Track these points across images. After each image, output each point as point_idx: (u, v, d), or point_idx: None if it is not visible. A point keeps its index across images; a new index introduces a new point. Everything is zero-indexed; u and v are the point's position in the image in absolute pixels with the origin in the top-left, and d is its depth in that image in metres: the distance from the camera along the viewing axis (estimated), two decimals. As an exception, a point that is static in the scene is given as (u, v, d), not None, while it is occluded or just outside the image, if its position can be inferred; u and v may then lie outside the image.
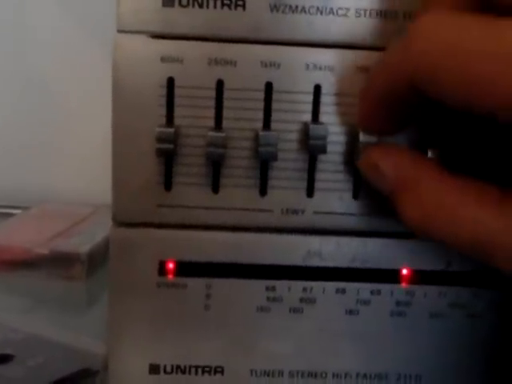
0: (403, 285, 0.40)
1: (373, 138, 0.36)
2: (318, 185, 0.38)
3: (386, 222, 0.39)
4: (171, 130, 0.36)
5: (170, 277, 0.39)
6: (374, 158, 0.35)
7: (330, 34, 0.37)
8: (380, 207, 0.39)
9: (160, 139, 0.35)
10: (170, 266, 0.39)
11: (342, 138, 0.38)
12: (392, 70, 0.31)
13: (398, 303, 0.40)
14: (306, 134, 0.37)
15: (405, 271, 0.40)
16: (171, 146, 0.35)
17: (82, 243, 0.64)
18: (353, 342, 0.40)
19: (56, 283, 0.61)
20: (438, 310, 0.40)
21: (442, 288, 0.40)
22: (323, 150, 0.36)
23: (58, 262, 0.61)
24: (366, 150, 0.36)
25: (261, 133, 0.36)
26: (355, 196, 0.38)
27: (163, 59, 0.36)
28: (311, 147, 0.36)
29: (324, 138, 0.36)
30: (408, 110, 0.33)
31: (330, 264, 0.39)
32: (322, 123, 0.37)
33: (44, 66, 0.96)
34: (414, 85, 0.30)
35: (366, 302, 0.40)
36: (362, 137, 0.36)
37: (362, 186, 0.38)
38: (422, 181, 0.32)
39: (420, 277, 0.40)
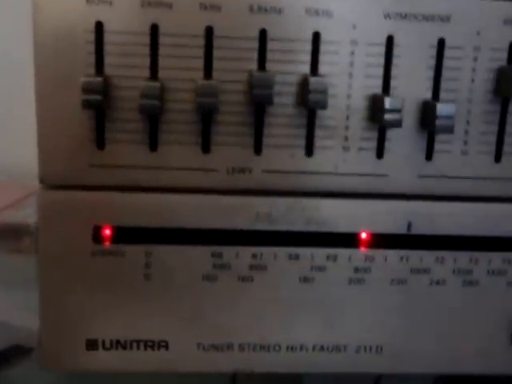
0: (362, 249, 0.36)
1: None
2: (266, 141, 0.35)
3: (344, 180, 0.35)
4: (99, 79, 0.32)
5: (106, 244, 0.35)
6: None
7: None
8: (336, 165, 0.35)
9: (87, 90, 0.32)
10: (107, 232, 0.35)
11: (290, 89, 0.34)
12: None
13: (356, 269, 0.37)
14: (250, 84, 0.33)
15: (364, 235, 0.37)
16: (99, 98, 0.32)
17: (32, 215, 0.60)
18: (308, 311, 0.37)
19: (4, 257, 0.57)
20: (399, 275, 0.37)
21: (403, 252, 0.37)
22: (269, 101, 0.33)
23: (6, 235, 0.58)
24: None
25: (200, 82, 0.32)
26: (308, 153, 0.35)
27: (89, 1, 0.32)
28: (256, 97, 0.33)
29: (270, 87, 0.33)
30: None
31: (281, 228, 0.36)
32: (267, 71, 0.33)
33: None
34: None
35: (322, 269, 0.36)
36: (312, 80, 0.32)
37: (316, 142, 0.34)
38: None
39: (380, 241, 0.36)
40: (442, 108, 0.33)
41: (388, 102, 0.33)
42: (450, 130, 0.34)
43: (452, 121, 0.33)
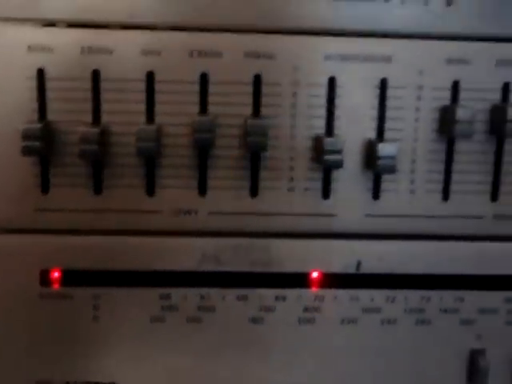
0: (311, 289, 0.36)
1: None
2: (210, 182, 0.35)
3: (291, 221, 0.35)
4: (39, 125, 0.32)
5: (55, 287, 0.35)
6: None
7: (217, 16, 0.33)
8: (282, 205, 0.35)
9: (26, 136, 0.32)
10: (55, 275, 0.35)
11: (233, 131, 0.34)
12: None
13: (305, 309, 0.36)
14: (192, 128, 0.33)
15: (313, 275, 0.36)
16: (38, 144, 0.32)
17: None
18: (258, 351, 0.37)
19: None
20: (349, 315, 0.37)
21: (353, 291, 0.36)
22: (210, 144, 0.33)
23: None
24: None
25: (141, 126, 0.33)
26: (253, 194, 0.35)
27: (31, 48, 0.33)
28: (198, 141, 0.33)
29: (211, 130, 0.33)
30: None
31: (229, 269, 0.35)
32: (208, 114, 0.33)
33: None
34: None
35: (271, 309, 0.36)
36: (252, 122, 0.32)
37: (261, 183, 0.35)
38: None
39: (328, 280, 0.36)
40: (383, 148, 0.33)
41: (328, 143, 0.33)
42: (391, 169, 0.34)
43: (393, 161, 0.33)
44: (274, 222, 0.35)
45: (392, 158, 0.34)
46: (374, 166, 0.34)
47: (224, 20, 0.33)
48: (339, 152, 0.33)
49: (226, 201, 0.35)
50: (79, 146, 0.32)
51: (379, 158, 0.34)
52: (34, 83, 0.33)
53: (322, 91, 0.34)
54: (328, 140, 0.33)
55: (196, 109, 0.34)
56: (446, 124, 0.34)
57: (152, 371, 0.36)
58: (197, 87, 0.34)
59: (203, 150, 0.34)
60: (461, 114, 0.33)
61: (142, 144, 0.33)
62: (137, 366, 0.36)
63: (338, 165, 0.33)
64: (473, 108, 0.34)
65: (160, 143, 0.33)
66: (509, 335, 0.38)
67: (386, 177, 0.35)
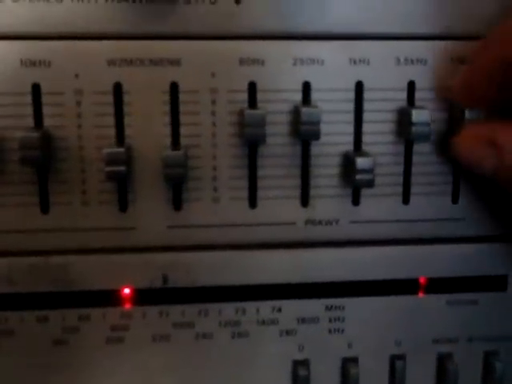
0: (117, 307, 0.34)
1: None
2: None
3: (85, 236, 0.33)
4: None
5: None
6: (488, 132, 0.31)
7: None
8: (75, 220, 0.33)
9: None
10: None
11: (13, 145, 0.32)
12: None
13: (113, 328, 0.34)
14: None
15: (127, 290, 0.35)
16: None
17: None
18: (62, 374, 0.35)
19: None
20: (161, 331, 0.35)
21: (162, 307, 0.34)
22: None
23: None
24: (468, 127, 0.32)
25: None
26: (44, 210, 0.33)
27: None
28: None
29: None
30: None
31: (24, 290, 0.34)
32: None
33: None
34: None
35: (75, 330, 0.34)
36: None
37: (52, 197, 0.33)
38: None
39: (135, 296, 0.34)
40: (170, 157, 0.31)
41: (108, 154, 0.31)
42: (181, 179, 0.32)
43: (182, 169, 0.32)
44: (68, 238, 0.34)
45: (181, 166, 0.32)
46: (166, 176, 0.32)
47: None
48: (123, 163, 0.32)
49: (15, 219, 0.33)
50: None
51: (168, 166, 0.32)
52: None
53: (109, 98, 0.32)
54: (108, 150, 0.31)
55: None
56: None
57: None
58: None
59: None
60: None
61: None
62: None
63: (120, 176, 0.32)
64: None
65: None
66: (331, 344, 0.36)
67: (187, 186, 0.34)
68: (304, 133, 0.32)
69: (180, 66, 0.33)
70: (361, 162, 0.32)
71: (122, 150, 0.31)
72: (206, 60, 0.33)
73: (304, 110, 0.32)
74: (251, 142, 0.33)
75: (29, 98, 0.32)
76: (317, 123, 0.32)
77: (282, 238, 0.35)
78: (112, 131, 0.33)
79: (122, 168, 0.31)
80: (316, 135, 0.32)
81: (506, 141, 0.30)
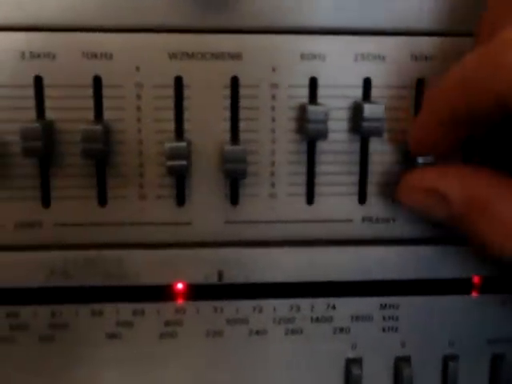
0: (171, 302, 0.34)
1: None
2: (54, 193, 0.32)
3: (144, 230, 0.33)
4: None
5: None
6: (431, 181, 0.30)
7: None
8: (132, 214, 0.33)
9: None
10: None
11: (74, 138, 0.32)
12: (472, 86, 0.26)
13: (166, 323, 0.34)
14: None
15: (180, 286, 0.34)
16: None
17: None
18: (117, 368, 0.34)
19: None
20: (214, 327, 0.35)
21: (216, 303, 0.34)
22: (40, 153, 0.31)
23: None
24: (410, 176, 0.31)
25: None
26: (102, 202, 0.33)
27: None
28: (27, 151, 0.31)
29: (39, 138, 0.31)
30: (477, 126, 0.28)
31: (79, 283, 0.33)
32: (46, 120, 0.31)
33: None
34: (505, 102, 0.25)
35: (129, 324, 0.34)
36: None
37: (109, 191, 0.33)
38: (494, 198, 0.28)
39: (189, 292, 0.34)
40: (230, 152, 0.31)
41: (170, 148, 0.31)
42: (242, 174, 0.32)
43: (243, 165, 0.31)
44: (126, 232, 0.33)
45: (242, 161, 0.31)
46: (227, 171, 0.32)
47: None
48: (184, 157, 0.31)
49: (74, 211, 0.33)
50: None
51: (229, 161, 0.31)
52: None
53: (169, 92, 0.32)
54: (170, 145, 0.31)
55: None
56: (304, 123, 0.32)
57: (3, 394, 0.34)
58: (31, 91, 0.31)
59: (44, 159, 0.32)
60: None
61: None
62: (-13, 389, 0.34)
63: (181, 170, 0.31)
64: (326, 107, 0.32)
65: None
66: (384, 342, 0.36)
67: (244, 181, 0.33)
68: (366, 129, 0.32)
69: (241, 60, 0.32)
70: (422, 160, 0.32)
71: (183, 144, 0.31)
72: (267, 54, 0.32)
73: (366, 106, 0.32)
74: (312, 138, 0.32)
75: (90, 91, 0.31)
76: (381, 120, 0.31)
77: (338, 235, 0.34)
78: (171, 125, 0.32)
79: (184, 162, 0.31)
80: (379, 132, 0.32)
81: (448, 190, 0.29)
